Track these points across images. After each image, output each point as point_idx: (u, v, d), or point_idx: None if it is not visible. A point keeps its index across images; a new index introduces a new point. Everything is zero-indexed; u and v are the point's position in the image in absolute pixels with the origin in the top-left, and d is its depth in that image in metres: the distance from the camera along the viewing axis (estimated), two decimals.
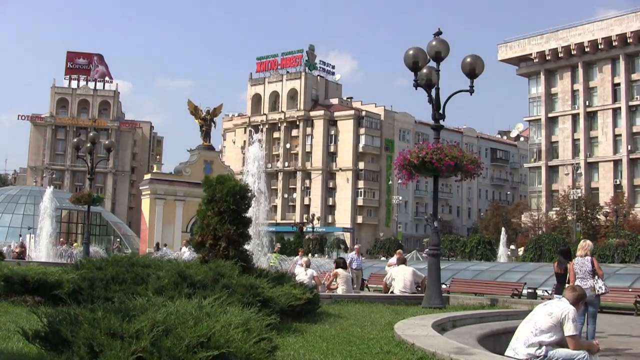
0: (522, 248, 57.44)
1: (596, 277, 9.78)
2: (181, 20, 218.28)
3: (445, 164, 12.34)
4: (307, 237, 72.43)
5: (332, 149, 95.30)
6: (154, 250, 32.47)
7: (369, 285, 21.96)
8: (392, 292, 15.63)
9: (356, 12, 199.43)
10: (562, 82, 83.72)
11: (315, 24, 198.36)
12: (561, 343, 6.46)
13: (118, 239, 49.28)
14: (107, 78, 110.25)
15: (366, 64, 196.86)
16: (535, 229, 75.17)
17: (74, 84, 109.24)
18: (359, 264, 20.92)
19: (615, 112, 78.71)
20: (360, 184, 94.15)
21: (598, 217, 70.10)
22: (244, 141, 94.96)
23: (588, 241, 10.50)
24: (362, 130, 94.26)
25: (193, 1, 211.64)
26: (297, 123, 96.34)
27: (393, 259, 19.53)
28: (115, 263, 10.43)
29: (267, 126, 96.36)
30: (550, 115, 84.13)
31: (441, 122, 13.37)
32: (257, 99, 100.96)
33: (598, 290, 9.72)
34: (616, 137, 78.44)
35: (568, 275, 10.37)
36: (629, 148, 76.91)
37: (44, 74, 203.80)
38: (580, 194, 70.06)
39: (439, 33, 13.23)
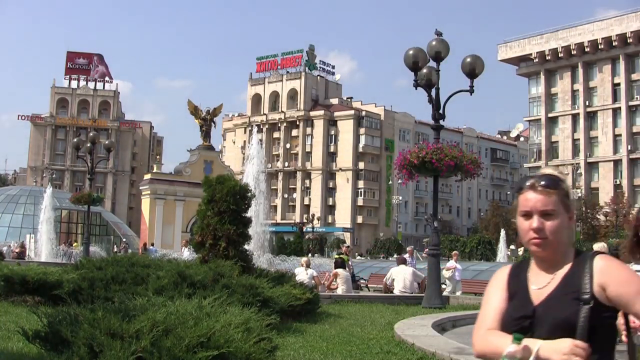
0: (522, 248, 57.43)
1: None
2: (181, 20, 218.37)
3: (445, 164, 12.35)
4: (307, 237, 72.43)
5: (332, 149, 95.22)
6: (141, 251, 32.19)
7: (369, 285, 21.92)
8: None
9: (356, 12, 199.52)
10: (562, 82, 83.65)
11: (315, 24, 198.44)
12: None
13: (125, 240, 49.17)
14: (107, 78, 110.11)
15: (366, 64, 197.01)
16: None
17: (74, 84, 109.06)
18: (412, 266, 18.67)
19: (615, 112, 78.63)
20: (360, 184, 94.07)
21: (598, 217, 70.07)
22: (244, 141, 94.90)
23: (604, 244, 11.19)
24: (362, 130, 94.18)
25: (193, 1, 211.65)
26: (297, 123, 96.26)
27: (451, 262, 19.26)
28: (115, 263, 10.43)
29: (267, 126, 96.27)
30: (550, 115, 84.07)
31: (441, 122, 13.39)
32: (257, 99, 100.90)
33: None
34: (616, 137, 78.37)
35: None
36: (629, 148, 76.85)
37: (44, 74, 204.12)
38: (580, 194, 69.98)
39: (439, 33, 13.24)
